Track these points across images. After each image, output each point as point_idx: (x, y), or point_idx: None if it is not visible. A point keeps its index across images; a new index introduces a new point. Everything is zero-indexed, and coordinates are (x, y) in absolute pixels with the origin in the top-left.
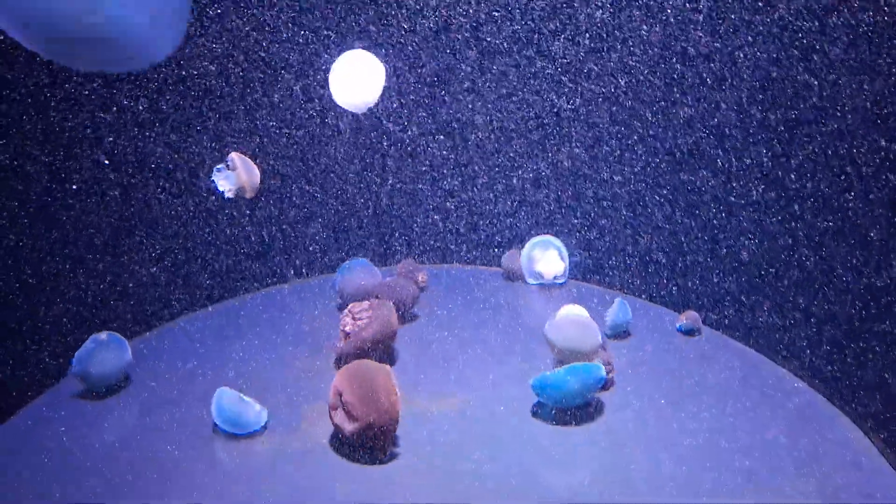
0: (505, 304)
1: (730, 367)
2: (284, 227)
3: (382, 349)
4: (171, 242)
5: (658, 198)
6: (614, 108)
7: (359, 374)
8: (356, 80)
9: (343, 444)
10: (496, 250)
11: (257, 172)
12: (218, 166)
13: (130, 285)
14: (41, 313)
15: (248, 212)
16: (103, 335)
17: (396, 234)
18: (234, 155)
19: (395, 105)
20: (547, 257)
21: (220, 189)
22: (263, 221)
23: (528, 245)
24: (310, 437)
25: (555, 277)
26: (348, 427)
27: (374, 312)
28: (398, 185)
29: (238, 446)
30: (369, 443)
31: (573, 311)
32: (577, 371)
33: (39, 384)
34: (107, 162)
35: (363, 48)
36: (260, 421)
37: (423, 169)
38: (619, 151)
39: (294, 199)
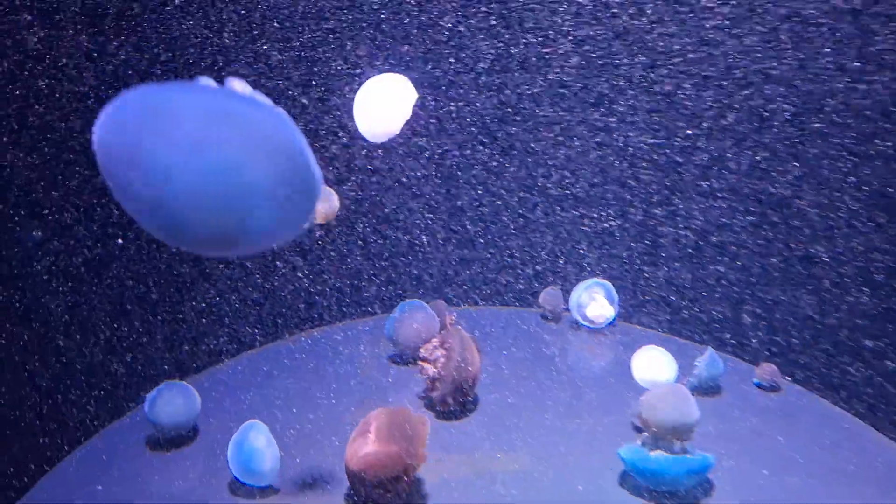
0: (560, 350)
1: (820, 429)
2: (334, 268)
3: (472, 377)
4: (223, 287)
5: (736, 246)
6: (692, 151)
7: (396, 412)
8: (381, 106)
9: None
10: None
11: (336, 199)
12: None
13: (181, 332)
14: (87, 364)
15: (299, 253)
16: (177, 383)
17: (443, 275)
18: None
19: (451, 141)
20: (597, 301)
21: None
22: (315, 263)
23: (576, 289)
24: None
25: (605, 321)
26: (363, 450)
27: (447, 342)
28: (448, 226)
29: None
30: (383, 478)
31: (655, 358)
32: (688, 468)
33: (87, 432)
34: None
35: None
36: (275, 471)
37: (475, 209)
38: (694, 195)
39: (343, 239)
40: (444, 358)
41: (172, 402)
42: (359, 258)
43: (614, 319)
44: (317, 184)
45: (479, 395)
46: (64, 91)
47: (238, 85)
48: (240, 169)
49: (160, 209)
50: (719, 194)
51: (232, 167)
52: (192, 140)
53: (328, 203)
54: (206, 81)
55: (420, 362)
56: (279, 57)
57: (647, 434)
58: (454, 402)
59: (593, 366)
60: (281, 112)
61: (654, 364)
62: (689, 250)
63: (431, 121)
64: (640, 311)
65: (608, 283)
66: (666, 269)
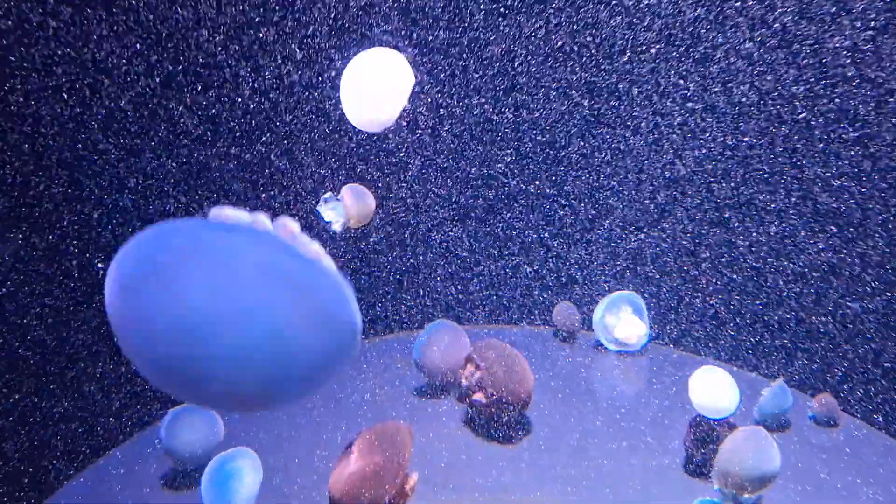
0: (593, 376)
1: (887, 465)
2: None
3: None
4: None
5: (804, 268)
6: (754, 164)
7: (383, 425)
8: (372, 87)
9: None
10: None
11: (371, 199)
12: (325, 196)
13: None
14: (78, 399)
15: None
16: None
17: (454, 293)
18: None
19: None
20: (625, 320)
21: (326, 220)
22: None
23: (600, 308)
24: None
25: (638, 341)
26: (349, 468)
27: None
28: (469, 244)
29: None
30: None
31: (715, 381)
32: None
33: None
34: None
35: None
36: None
37: (494, 223)
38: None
39: (356, 254)
40: (490, 379)
41: (192, 426)
42: (372, 275)
43: (648, 341)
44: (355, 351)
45: (510, 428)
46: (43, 85)
47: (290, 225)
48: (284, 338)
49: (180, 370)
50: (787, 212)
51: (276, 336)
52: (237, 302)
53: (363, 204)
54: (262, 220)
55: (471, 398)
56: (289, 47)
57: (719, 487)
58: (505, 414)
59: (634, 394)
60: (333, 274)
61: (713, 388)
62: (747, 272)
63: (450, 125)
64: (686, 335)
65: (637, 298)
66: (720, 293)
